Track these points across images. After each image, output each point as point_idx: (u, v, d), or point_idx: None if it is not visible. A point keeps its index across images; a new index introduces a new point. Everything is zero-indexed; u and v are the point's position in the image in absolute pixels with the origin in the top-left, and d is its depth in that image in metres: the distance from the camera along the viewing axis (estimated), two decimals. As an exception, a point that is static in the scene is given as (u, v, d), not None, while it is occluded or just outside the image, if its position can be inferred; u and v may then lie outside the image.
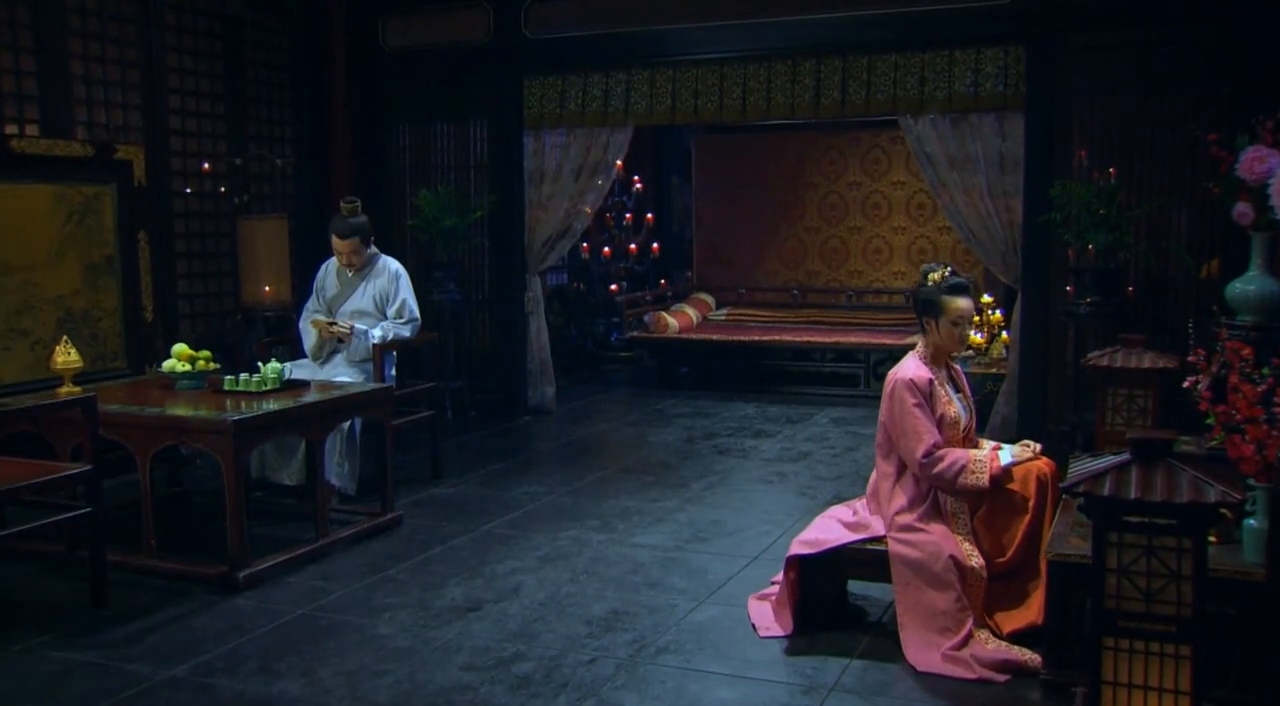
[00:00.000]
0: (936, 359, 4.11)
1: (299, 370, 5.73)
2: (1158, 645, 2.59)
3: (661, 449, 7.26)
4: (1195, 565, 2.55)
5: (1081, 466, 2.78)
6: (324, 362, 6.02)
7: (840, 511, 4.29)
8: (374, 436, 5.65)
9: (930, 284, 4.07)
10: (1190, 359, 3.70)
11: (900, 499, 4.01)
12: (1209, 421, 3.19)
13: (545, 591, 4.51)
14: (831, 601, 4.18)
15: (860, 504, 4.27)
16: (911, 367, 4.04)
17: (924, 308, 4.07)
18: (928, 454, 3.91)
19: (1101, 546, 2.62)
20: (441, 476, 6.41)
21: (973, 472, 3.89)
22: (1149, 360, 4.37)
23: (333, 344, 6.02)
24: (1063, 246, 6.54)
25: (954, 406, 4.05)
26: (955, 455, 3.93)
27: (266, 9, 7.98)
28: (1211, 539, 3.13)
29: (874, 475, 4.21)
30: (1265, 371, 3.09)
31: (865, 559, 4.02)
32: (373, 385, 5.64)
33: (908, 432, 3.95)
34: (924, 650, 3.75)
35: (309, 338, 6.08)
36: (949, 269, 4.12)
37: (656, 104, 7.90)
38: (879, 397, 4.16)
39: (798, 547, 4.06)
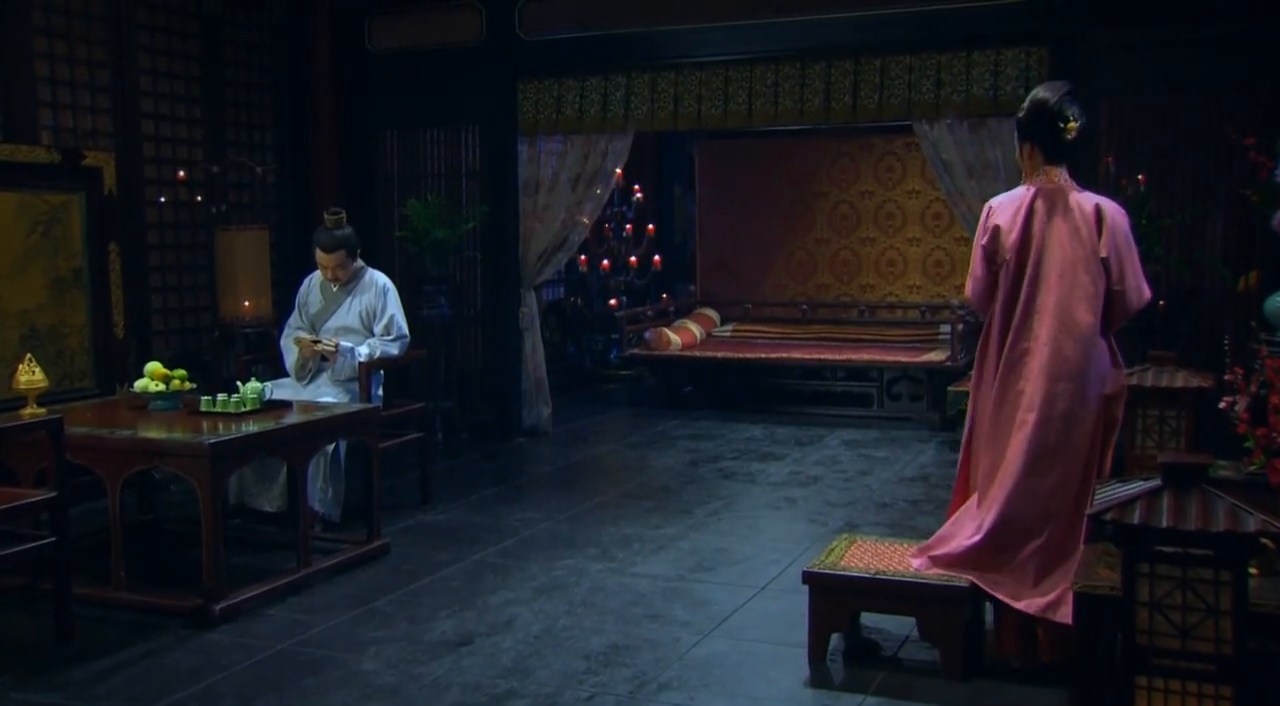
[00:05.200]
0: None
1: (280, 390, 5.71)
2: (1195, 685, 2.57)
3: (663, 473, 7.24)
4: (1235, 599, 2.53)
5: (1109, 492, 2.76)
6: (307, 382, 6.00)
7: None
8: (360, 460, 5.63)
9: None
10: (1227, 378, 3.68)
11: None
12: (1248, 445, 3.17)
13: (541, 624, 4.48)
14: (844, 634, 4.15)
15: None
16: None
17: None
18: None
19: (1132, 578, 2.60)
20: (431, 502, 6.39)
21: None
22: (1182, 379, 4.34)
23: (316, 362, 6.01)
24: (1088, 258, 6.52)
25: None
26: None
27: (246, 8, 8.00)
28: (1252, 571, 3.10)
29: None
30: (1308, 391, 3.07)
31: (878, 590, 3.99)
32: (359, 405, 5.63)
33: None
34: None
35: (290, 356, 6.07)
36: None
37: (658, 109, 7.91)
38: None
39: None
